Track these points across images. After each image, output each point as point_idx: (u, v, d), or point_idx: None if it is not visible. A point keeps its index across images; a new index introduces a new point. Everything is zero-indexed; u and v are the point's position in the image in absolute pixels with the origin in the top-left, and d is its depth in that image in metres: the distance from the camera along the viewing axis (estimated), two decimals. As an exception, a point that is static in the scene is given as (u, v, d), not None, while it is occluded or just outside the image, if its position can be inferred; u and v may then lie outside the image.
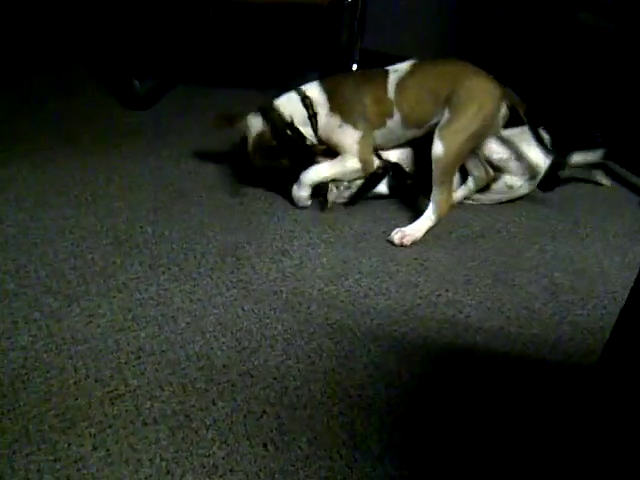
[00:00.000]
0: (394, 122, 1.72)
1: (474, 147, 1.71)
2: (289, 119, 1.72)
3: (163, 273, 1.44)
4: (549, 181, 1.97)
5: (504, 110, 1.70)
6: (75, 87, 2.45)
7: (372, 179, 1.77)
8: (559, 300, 1.50)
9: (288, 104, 1.74)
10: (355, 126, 1.70)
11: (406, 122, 1.72)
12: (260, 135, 1.74)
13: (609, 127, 2.17)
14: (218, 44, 2.84)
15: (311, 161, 1.75)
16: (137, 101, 2.27)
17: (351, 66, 2.44)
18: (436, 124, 1.66)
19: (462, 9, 2.68)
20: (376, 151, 1.78)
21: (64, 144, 1.98)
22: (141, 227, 1.59)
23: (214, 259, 1.51)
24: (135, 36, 2.23)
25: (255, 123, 1.74)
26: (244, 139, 1.80)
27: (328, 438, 1.09)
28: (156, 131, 2.13)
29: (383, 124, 1.73)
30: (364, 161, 1.73)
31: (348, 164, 1.72)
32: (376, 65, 1.81)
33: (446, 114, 1.64)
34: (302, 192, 1.72)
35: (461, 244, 1.66)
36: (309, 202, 1.75)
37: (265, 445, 1.07)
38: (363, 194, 1.78)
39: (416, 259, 1.59)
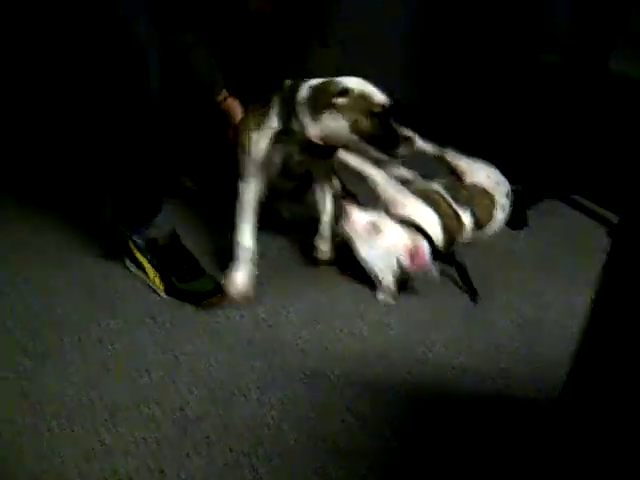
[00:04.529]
0: None
1: None
2: None
3: (137, 325, 1.45)
4: (517, 218, 2.01)
5: None
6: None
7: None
8: (526, 333, 1.53)
9: None
10: None
11: None
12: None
13: (576, 162, 2.23)
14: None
15: None
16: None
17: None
18: None
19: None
20: None
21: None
22: (115, 281, 1.60)
23: (188, 309, 1.52)
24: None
25: None
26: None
27: (303, 486, 1.10)
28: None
29: None
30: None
31: None
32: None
33: None
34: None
35: (427, 283, 1.63)
36: None
37: (241, 497, 1.07)
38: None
39: (387, 300, 1.62)
